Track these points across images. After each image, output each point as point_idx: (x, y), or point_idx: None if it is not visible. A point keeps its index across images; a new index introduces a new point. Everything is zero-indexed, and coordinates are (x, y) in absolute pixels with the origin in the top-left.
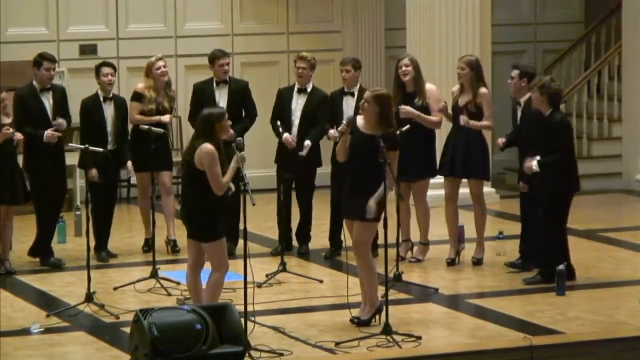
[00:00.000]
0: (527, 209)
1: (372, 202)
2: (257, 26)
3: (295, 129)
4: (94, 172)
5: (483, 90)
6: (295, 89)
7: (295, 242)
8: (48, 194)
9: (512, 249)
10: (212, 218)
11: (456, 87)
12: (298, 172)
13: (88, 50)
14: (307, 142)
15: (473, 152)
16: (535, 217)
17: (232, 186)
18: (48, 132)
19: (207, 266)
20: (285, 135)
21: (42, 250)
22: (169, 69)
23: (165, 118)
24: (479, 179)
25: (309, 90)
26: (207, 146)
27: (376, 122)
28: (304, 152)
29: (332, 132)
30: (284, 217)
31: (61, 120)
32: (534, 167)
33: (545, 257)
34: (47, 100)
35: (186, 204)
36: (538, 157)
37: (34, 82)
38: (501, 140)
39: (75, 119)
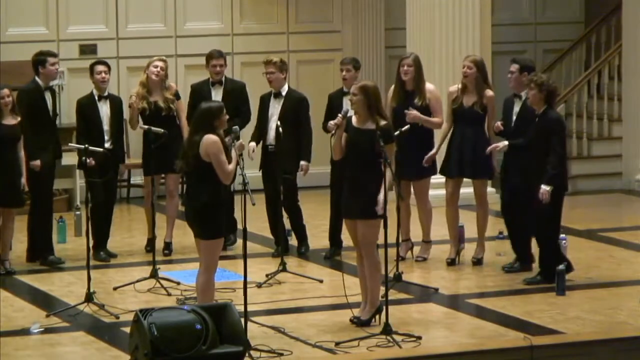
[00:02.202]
0: (511, 207)
1: (380, 198)
2: (257, 26)
3: (273, 133)
4: (37, 162)
5: (490, 93)
6: (272, 94)
7: (292, 242)
8: (46, 192)
9: (512, 250)
10: (216, 216)
11: (454, 87)
12: (292, 172)
13: (88, 50)
14: (304, 163)
15: (479, 152)
16: (522, 215)
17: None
18: (35, 163)
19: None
20: (252, 144)
21: (40, 252)
22: (169, 69)
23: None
24: (485, 179)
25: (284, 93)
26: (212, 136)
27: (366, 113)
28: (303, 173)
29: (331, 123)
30: (279, 218)
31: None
32: (548, 189)
33: (544, 257)
34: (49, 99)
35: (191, 201)
36: (544, 186)
37: (38, 80)
38: (497, 125)
39: (72, 118)
